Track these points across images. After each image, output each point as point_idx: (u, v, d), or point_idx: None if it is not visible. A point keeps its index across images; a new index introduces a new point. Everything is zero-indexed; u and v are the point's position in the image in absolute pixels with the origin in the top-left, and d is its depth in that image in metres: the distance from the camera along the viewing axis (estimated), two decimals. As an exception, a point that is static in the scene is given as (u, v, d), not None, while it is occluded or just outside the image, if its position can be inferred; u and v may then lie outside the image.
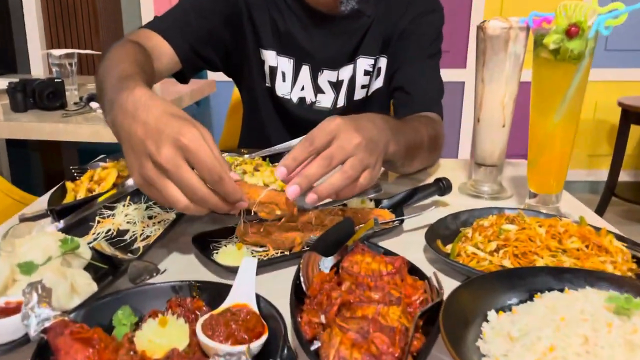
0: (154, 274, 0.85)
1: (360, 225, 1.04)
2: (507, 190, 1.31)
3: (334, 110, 1.51)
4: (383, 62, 1.49)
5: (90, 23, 3.70)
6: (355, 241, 0.91)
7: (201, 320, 0.66)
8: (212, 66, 1.49)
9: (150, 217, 1.05)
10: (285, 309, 0.70)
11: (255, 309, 0.70)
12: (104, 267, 0.90)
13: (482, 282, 0.74)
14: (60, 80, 2.19)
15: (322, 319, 0.67)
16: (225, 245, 0.97)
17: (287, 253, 0.97)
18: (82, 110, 2.13)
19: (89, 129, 1.94)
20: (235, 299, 0.71)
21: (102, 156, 1.43)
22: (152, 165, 0.78)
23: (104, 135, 1.91)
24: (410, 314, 0.68)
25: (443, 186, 1.19)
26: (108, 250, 0.95)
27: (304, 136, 0.86)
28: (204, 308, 0.71)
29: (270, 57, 1.47)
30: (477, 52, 1.24)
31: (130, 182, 1.10)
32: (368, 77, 1.49)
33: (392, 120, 1.07)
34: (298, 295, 0.74)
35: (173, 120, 0.78)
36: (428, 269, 0.93)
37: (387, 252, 0.91)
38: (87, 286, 0.78)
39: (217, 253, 0.94)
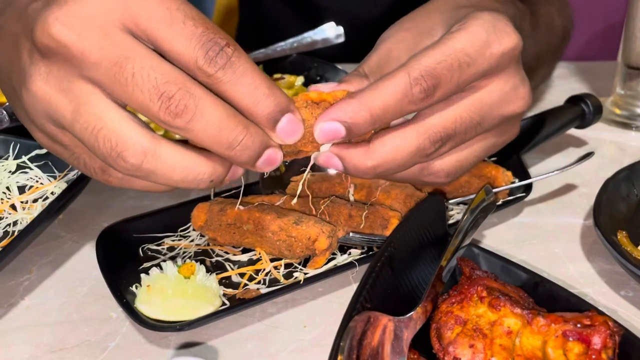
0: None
1: (454, 201, 0.51)
2: (681, 114, 0.75)
3: None
4: None
5: None
6: (456, 252, 0.39)
7: None
8: None
9: (21, 190, 0.52)
10: None
11: None
12: None
13: None
14: None
15: None
16: (165, 259, 0.45)
17: (298, 272, 0.45)
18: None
19: None
20: None
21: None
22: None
23: None
24: None
25: (588, 110, 0.64)
26: None
27: (407, 64, 0.35)
28: None
29: None
30: None
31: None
32: None
33: (524, 17, 0.53)
34: None
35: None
36: (613, 307, 0.42)
37: (535, 282, 0.39)
38: None
39: (139, 285, 0.42)
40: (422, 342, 0.34)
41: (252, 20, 1.13)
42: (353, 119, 0.34)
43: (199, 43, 0.30)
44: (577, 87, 0.89)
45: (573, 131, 0.68)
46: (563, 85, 0.91)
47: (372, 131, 0.36)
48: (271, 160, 0.34)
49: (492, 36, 0.36)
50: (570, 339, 0.31)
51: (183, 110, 0.30)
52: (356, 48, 0.82)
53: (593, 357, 0.30)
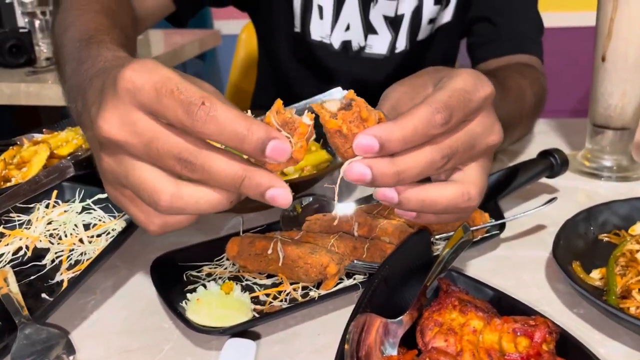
0: (63, 356, 0.44)
1: (439, 237, 0.62)
2: (641, 166, 0.87)
3: (391, 57, 1.07)
4: None
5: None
6: (438, 275, 0.49)
7: None
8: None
9: (87, 227, 0.64)
10: None
11: None
12: (-8, 324, 0.51)
13: None
14: (26, 30, 1.78)
15: None
16: (206, 282, 0.56)
17: (313, 292, 0.55)
18: (52, 67, 1.71)
19: (56, 90, 1.52)
20: None
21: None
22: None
23: (74, 97, 1.49)
24: None
25: (555, 163, 0.75)
26: (13, 288, 0.55)
27: (428, 100, 0.43)
28: None
29: None
30: (605, -50, 0.78)
31: (67, 167, 0.69)
32: (437, 7, 1.04)
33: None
34: None
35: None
36: (567, 322, 0.52)
37: (499, 297, 0.50)
38: None
39: (189, 300, 0.53)
40: (409, 340, 0.45)
41: (270, 76, 1.24)
42: (388, 138, 0.40)
43: (181, 107, 0.39)
44: (556, 142, 1.02)
45: (550, 181, 0.80)
46: (544, 139, 1.03)
47: None
48: (275, 196, 0.40)
49: (477, 82, 0.45)
50: (519, 334, 0.42)
51: (195, 167, 0.39)
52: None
53: (535, 348, 0.41)
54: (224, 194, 0.41)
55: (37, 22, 2.06)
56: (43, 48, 2.01)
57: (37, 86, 1.57)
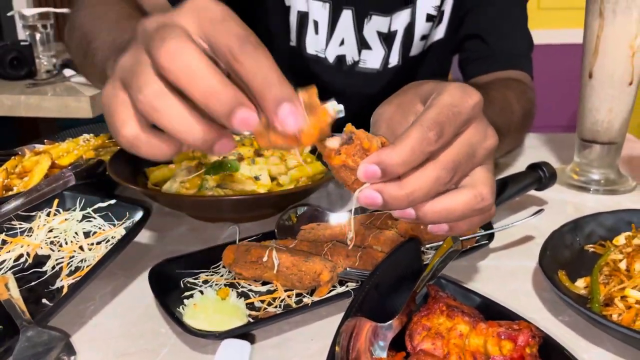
0: (63, 357, 0.46)
1: (430, 246, 0.64)
2: (628, 179, 0.89)
3: (384, 72, 1.10)
4: (448, 4, 1.07)
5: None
6: (427, 282, 0.51)
7: None
8: None
9: (87, 235, 0.65)
10: None
11: None
12: (-6, 328, 0.52)
13: None
14: (27, 43, 1.81)
15: None
16: (203, 287, 0.58)
17: (306, 298, 0.57)
18: (52, 80, 1.74)
19: (55, 102, 1.55)
20: None
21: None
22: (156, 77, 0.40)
23: (74, 109, 1.52)
24: None
25: (544, 176, 0.77)
26: (14, 294, 0.57)
27: (419, 120, 0.45)
28: None
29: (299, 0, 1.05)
30: (591, -29, 0.81)
31: (67, 175, 0.71)
32: (430, 24, 1.07)
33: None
34: None
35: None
36: (553, 328, 0.53)
37: (486, 304, 0.51)
38: None
39: (186, 306, 0.55)
40: (398, 344, 0.46)
41: None
42: (389, 162, 0.42)
43: (237, 38, 0.39)
44: (545, 156, 1.04)
45: (539, 193, 0.82)
46: (534, 153, 1.06)
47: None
48: (244, 120, 0.38)
49: (464, 94, 0.47)
50: (503, 337, 0.43)
51: (195, 77, 0.37)
52: (352, 119, 0.97)
53: (519, 351, 0.42)
54: (202, 125, 0.39)
55: (37, 35, 2.09)
56: (44, 61, 2.04)
57: (37, 98, 1.59)
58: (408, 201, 0.44)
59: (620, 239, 0.63)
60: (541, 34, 3.83)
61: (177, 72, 0.38)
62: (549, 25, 3.77)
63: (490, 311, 0.50)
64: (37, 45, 2.07)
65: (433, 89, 0.49)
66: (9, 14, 2.45)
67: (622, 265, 0.57)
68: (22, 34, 3.30)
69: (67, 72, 1.76)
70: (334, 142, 0.43)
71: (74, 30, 0.79)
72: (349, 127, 0.44)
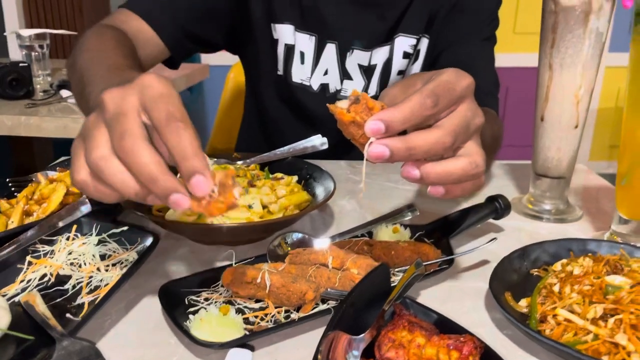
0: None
1: (398, 270, 0.75)
2: (576, 209, 1.01)
3: None
4: (424, 44, 1.19)
5: (73, 1, 3.37)
6: (394, 302, 0.62)
7: None
8: (212, 46, 1.20)
9: (103, 257, 0.75)
10: None
11: None
12: (28, 339, 0.62)
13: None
14: (25, 64, 1.89)
15: None
16: (207, 304, 0.68)
17: (294, 314, 0.68)
18: (50, 100, 1.83)
19: (54, 122, 1.64)
20: None
21: (63, 158, 1.13)
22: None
23: (72, 130, 1.61)
24: None
25: (500, 207, 0.89)
26: (42, 309, 0.66)
27: (421, 89, 0.54)
28: None
29: (286, 33, 1.17)
30: (543, 29, 0.94)
31: (83, 204, 0.81)
32: (407, 60, 1.19)
33: None
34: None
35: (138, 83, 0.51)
36: (497, 341, 0.64)
37: (441, 320, 0.62)
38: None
39: (191, 320, 0.65)
40: (369, 353, 0.57)
41: (256, 114, 1.36)
42: (391, 119, 0.51)
43: (166, 114, 0.48)
44: (506, 184, 1.16)
45: (498, 221, 0.94)
46: (497, 181, 1.18)
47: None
48: (176, 201, 0.47)
49: (459, 75, 0.57)
50: (451, 348, 0.54)
51: (125, 149, 0.47)
52: (335, 151, 1.09)
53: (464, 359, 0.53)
54: (137, 186, 0.48)
55: (33, 55, 2.18)
56: (40, 79, 2.12)
57: (36, 119, 1.68)
58: (409, 154, 0.51)
59: (557, 266, 0.75)
60: (516, 57, 4.05)
61: (129, 162, 0.48)
62: (524, 49, 3.95)
63: (445, 326, 0.61)
64: (33, 64, 2.16)
65: (433, 73, 0.59)
66: (6, 34, 2.53)
67: (556, 289, 0.68)
68: (14, 53, 3.37)
69: (64, 92, 1.85)
70: (344, 103, 0.55)
71: (75, 72, 0.89)
72: (355, 92, 0.55)
